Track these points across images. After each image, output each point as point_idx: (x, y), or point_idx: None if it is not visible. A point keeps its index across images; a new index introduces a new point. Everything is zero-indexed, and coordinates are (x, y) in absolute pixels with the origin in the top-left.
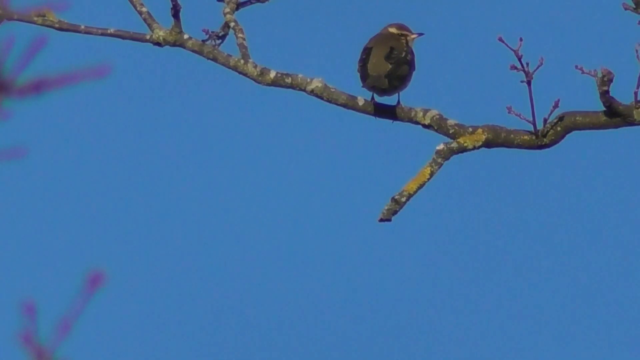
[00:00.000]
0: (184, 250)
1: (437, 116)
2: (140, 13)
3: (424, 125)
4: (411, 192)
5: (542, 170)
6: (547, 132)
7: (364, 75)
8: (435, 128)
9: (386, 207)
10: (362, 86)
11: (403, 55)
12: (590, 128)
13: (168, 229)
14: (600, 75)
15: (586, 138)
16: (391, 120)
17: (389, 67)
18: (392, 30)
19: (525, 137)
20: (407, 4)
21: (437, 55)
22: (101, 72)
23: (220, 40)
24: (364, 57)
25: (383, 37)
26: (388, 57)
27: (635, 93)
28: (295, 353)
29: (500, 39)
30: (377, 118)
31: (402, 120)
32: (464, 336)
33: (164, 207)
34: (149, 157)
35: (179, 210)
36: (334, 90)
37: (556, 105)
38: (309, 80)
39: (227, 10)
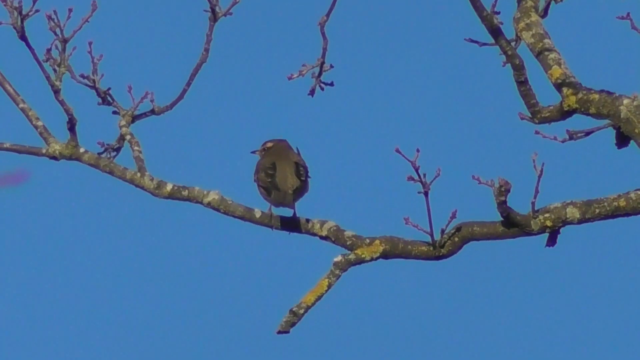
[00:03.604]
0: None
1: (334, 228)
2: (36, 127)
3: (322, 237)
4: (309, 304)
5: (440, 281)
6: (445, 242)
7: (271, 190)
8: (333, 239)
9: (284, 319)
10: (265, 199)
11: (307, 171)
12: (487, 238)
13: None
14: (497, 185)
15: (484, 248)
16: (288, 232)
17: (298, 183)
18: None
19: (423, 248)
20: (297, 119)
21: (334, 167)
22: (19, 178)
23: (115, 153)
24: (271, 172)
25: (280, 150)
26: (297, 173)
27: (533, 203)
28: None
29: (398, 150)
30: (275, 230)
31: (299, 232)
32: None
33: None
34: (49, 271)
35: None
36: (230, 202)
37: (453, 216)
38: (205, 192)
39: (123, 123)
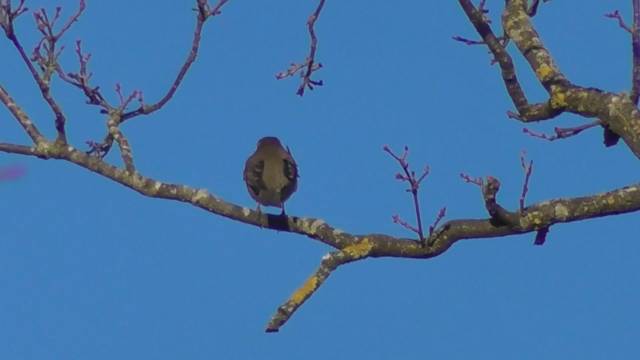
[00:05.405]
0: None
1: (323, 226)
2: (25, 126)
3: (310, 235)
4: (298, 302)
5: (428, 279)
6: (433, 241)
7: (258, 189)
8: (321, 238)
9: (273, 318)
10: (253, 197)
11: (296, 169)
12: (476, 236)
13: None
14: (486, 183)
15: (473, 246)
16: (277, 231)
17: (286, 182)
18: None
19: (412, 246)
20: (288, 118)
21: (323, 165)
22: (16, 173)
23: (103, 152)
24: (258, 170)
25: (270, 148)
26: (286, 172)
27: (521, 201)
28: None
29: (386, 148)
30: (263, 228)
31: (288, 230)
32: None
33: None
34: (37, 270)
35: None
36: (219, 201)
37: (442, 214)
38: (194, 191)
39: (111, 121)
